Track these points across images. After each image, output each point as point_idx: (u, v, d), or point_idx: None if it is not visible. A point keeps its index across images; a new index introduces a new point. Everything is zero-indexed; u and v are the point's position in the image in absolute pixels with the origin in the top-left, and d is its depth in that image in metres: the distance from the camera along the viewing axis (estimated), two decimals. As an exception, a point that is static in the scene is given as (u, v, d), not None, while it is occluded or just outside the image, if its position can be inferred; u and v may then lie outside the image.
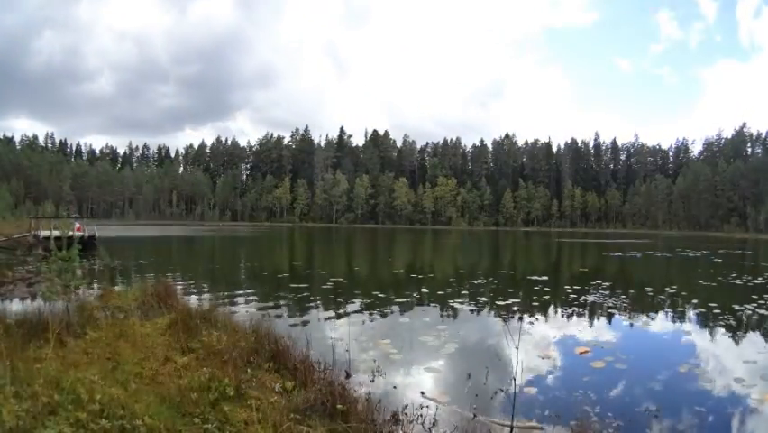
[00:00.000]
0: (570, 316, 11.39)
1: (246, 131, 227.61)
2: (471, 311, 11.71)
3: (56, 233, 21.55)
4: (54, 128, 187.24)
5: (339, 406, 4.23)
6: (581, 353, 7.87)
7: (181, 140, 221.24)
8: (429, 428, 4.72)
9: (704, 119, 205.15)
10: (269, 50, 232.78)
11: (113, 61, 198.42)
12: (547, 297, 13.80)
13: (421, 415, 4.88)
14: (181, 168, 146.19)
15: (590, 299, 13.45)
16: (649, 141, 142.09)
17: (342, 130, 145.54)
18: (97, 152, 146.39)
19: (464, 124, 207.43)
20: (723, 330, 10.01)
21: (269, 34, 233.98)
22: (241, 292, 13.69)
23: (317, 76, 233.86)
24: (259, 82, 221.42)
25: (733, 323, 10.52)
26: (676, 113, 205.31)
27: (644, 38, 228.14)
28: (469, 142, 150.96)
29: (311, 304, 12.29)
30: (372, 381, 6.09)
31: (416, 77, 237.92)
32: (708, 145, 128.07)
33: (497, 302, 12.77)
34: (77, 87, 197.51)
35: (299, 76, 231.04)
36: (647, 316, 11.53)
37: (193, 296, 12.03)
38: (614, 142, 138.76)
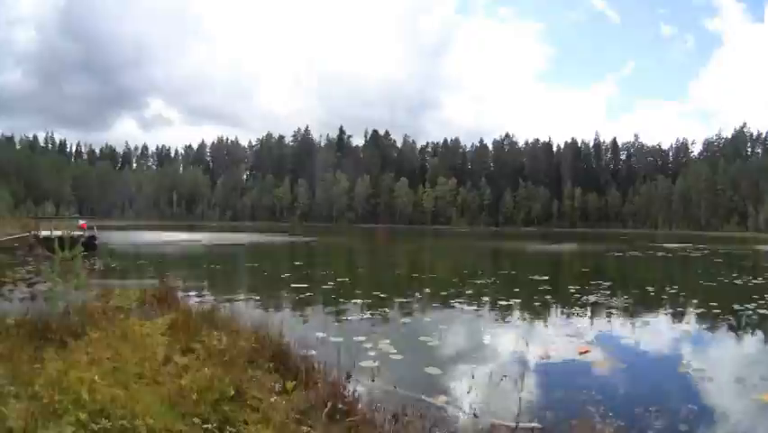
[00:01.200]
0: (570, 315, 11.40)
1: (166, 116, 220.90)
2: (472, 311, 11.71)
3: (57, 233, 21.54)
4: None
5: (340, 406, 4.23)
6: (582, 352, 7.86)
7: (112, 135, 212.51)
8: (430, 429, 4.71)
9: (716, 94, 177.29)
10: (136, 19, 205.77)
11: (18, 52, 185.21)
12: (548, 296, 13.79)
13: (421, 415, 4.87)
14: (181, 167, 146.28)
15: (591, 298, 13.44)
16: (649, 141, 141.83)
17: (341, 130, 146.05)
18: (97, 151, 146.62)
19: (403, 96, 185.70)
20: (723, 330, 10.01)
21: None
22: (240, 292, 13.71)
23: (222, 53, 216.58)
24: (144, 58, 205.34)
25: (733, 323, 10.51)
26: (682, 84, 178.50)
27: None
28: (407, 123, 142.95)
29: (311, 304, 12.29)
30: (373, 381, 6.08)
31: (343, 43, 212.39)
32: (708, 145, 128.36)
33: (498, 302, 12.78)
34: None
35: (195, 52, 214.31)
36: (648, 315, 11.53)
37: (192, 296, 12.03)
38: (614, 142, 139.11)
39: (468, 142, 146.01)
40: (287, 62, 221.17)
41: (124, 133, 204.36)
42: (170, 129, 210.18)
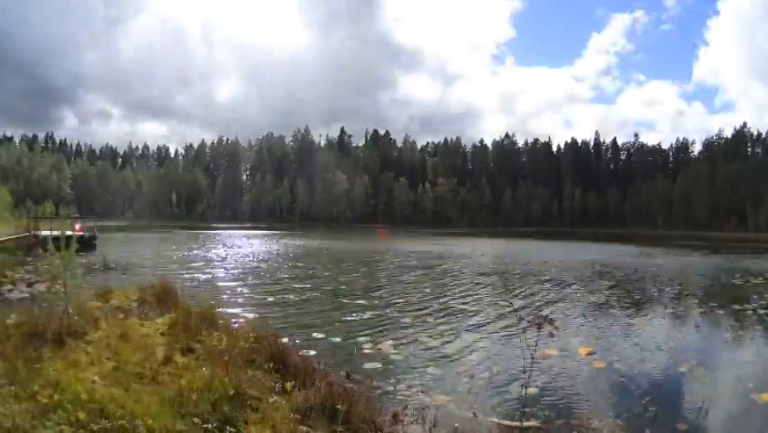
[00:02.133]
0: (571, 315, 11.38)
1: (103, 110, 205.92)
2: (472, 311, 11.70)
3: (55, 233, 21.53)
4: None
5: (339, 406, 4.22)
6: (587, 354, 7.81)
7: (57, 133, 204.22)
8: (429, 429, 4.71)
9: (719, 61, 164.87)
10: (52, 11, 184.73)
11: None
12: (550, 296, 13.79)
13: (421, 415, 4.87)
14: (181, 167, 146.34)
15: (592, 298, 13.44)
16: (649, 140, 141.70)
17: (342, 130, 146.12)
18: (97, 151, 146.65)
19: (346, 74, 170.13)
20: (723, 330, 10.01)
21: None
22: (241, 292, 13.70)
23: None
24: (68, 52, 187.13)
25: (733, 323, 10.51)
26: (680, 56, 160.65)
27: None
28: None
29: (312, 304, 12.28)
30: (373, 381, 6.08)
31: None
32: (708, 145, 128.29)
33: (499, 302, 12.77)
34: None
35: (124, 47, 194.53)
36: (648, 315, 11.52)
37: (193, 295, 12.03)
38: (614, 142, 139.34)
39: (434, 127, 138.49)
40: (222, 51, 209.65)
41: (70, 129, 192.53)
42: (111, 124, 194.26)
